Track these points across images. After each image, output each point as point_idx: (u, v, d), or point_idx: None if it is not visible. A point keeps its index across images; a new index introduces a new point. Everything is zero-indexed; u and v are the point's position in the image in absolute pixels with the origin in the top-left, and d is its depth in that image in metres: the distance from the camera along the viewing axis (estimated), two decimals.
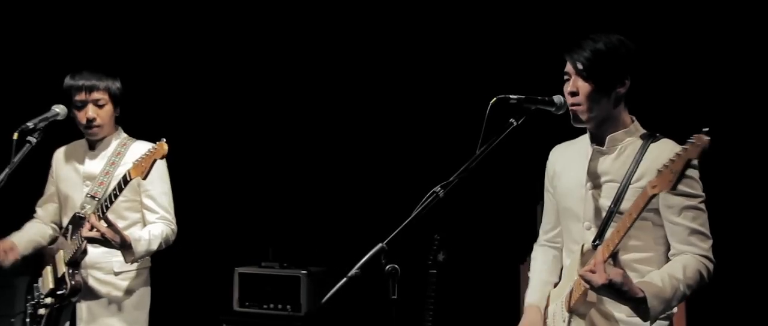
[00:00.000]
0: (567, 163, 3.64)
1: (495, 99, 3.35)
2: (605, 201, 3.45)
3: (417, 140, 6.23)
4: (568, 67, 3.47)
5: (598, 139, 3.52)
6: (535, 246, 3.90)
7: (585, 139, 3.61)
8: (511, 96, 3.41)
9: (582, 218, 3.51)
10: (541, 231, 3.89)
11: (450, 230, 4.62)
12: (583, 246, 3.47)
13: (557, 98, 3.49)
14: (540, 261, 3.82)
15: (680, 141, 3.23)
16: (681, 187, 3.27)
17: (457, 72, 6.05)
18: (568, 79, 3.46)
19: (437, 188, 3.18)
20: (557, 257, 3.75)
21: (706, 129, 2.95)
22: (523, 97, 3.44)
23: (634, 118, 3.54)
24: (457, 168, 3.28)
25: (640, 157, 3.42)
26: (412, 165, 6.08)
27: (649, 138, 3.48)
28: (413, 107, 6.30)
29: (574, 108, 3.47)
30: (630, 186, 3.40)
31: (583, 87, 3.44)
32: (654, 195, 3.14)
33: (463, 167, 3.27)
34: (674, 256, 3.42)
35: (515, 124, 3.41)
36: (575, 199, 3.55)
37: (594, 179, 3.49)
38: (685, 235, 3.38)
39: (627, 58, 3.45)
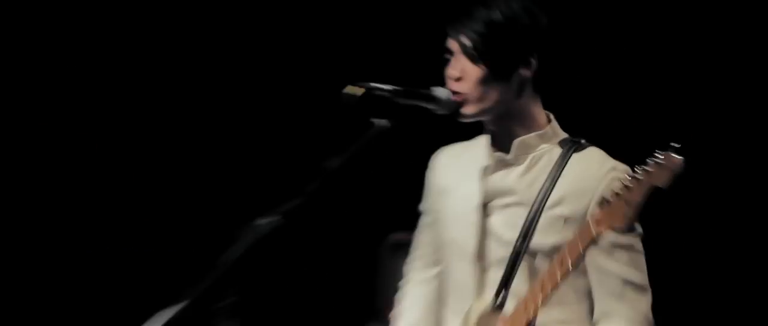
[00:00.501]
0: (458, 175, 3.01)
1: (349, 88, 2.68)
2: (509, 234, 2.86)
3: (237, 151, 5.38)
4: (451, 43, 2.89)
5: (500, 143, 2.93)
6: (404, 285, 3.22)
7: (482, 142, 2.97)
8: (375, 85, 2.72)
9: (473, 257, 2.90)
10: (412, 267, 3.22)
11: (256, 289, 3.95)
12: (472, 307, 2.88)
13: (441, 91, 2.84)
14: (413, 308, 3.16)
15: (614, 150, 2.87)
16: None
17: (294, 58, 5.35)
18: (449, 59, 2.89)
19: (263, 221, 2.46)
20: (437, 300, 3.10)
21: (677, 145, 2.50)
22: (393, 87, 2.74)
23: (551, 116, 2.96)
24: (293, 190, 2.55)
25: (557, 172, 2.84)
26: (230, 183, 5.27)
27: (571, 146, 2.90)
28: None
29: (458, 97, 2.84)
30: (544, 212, 2.82)
31: (472, 71, 2.85)
32: (599, 235, 2.65)
33: (299, 195, 2.54)
34: (600, 323, 2.87)
35: (379, 126, 2.69)
36: (464, 229, 2.93)
37: (493, 200, 2.91)
38: (616, 288, 2.83)
39: (533, 30, 2.87)
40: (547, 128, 2.91)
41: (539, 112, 2.92)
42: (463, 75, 2.84)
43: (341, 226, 5.23)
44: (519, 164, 2.90)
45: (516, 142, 2.88)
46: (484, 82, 2.83)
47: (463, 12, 2.87)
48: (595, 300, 2.86)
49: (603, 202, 2.62)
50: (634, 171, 2.57)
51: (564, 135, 2.93)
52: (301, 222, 2.51)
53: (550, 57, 2.90)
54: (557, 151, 2.89)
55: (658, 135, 2.70)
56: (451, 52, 2.88)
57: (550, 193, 2.84)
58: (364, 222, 5.10)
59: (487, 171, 2.93)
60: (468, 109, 2.85)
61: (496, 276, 2.86)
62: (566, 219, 2.80)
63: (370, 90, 2.69)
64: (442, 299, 3.04)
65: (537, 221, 2.83)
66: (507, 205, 2.90)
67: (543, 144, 2.90)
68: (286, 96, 5.32)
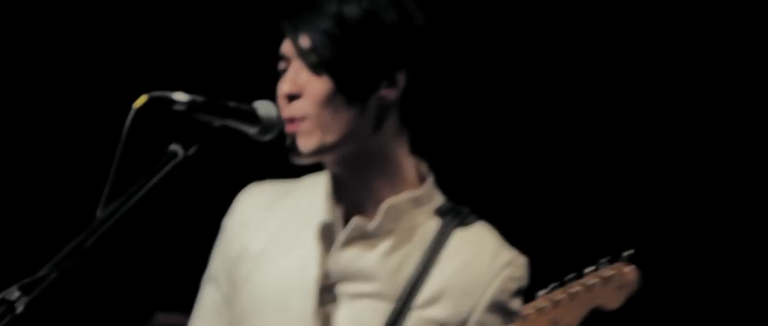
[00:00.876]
0: (280, 234, 2.39)
1: (145, 98, 2.06)
2: None
3: None
4: (287, 46, 2.31)
5: (349, 199, 2.33)
6: None
7: (319, 188, 2.36)
8: (176, 95, 2.09)
9: None
10: None
11: None
12: None
13: (266, 108, 2.22)
14: None
15: (504, 222, 2.40)
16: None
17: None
18: (284, 70, 2.31)
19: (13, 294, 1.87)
20: None
21: (630, 252, 2.14)
22: (192, 98, 2.12)
23: (424, 168, 2.38)
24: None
25: (433, 257, 2.30)
26: None
27: (453, 218, 2.34)
28: None
29: (292, 125, 2.24)
30: (412, 313, 2.27)
31: (314, 86, 2.26)
32: None
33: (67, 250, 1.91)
34: None
35: (181, 155, 2.05)
36: (287, 321, 2.33)
37: (338, 285, 2.31)
38: None
39: (402, 32, 2.31)
40: (423, 187, 2.33)
41: (407, 160, 2.34)
42: (301, 91, 2.24)
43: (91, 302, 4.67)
44: (381, 238, 2.30)
45: (385, 206, 2.29)
46: (330, 102, 2.22)
47: (306, 3, 2.29)
48: None
49: (519, 317, 2.20)
50: (564, 282, 2.14)
51: (441, 198, 2.36)
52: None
53: (425, 74, 2.33)
54: (433, 224, 2.31)
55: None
56: (286, 59, 2.29)
57: (418, 287, 2.28)
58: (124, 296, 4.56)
59: (331, 239, 2.33)
60: (305, 142, 2.22)
61: None
62: (438, 325, 2.29)
63: (156, 100, 2.05)
64: None
65: (402, 323, 2.27)
66: (360, 295, 2.29)
67: (416, 211, 2.32)
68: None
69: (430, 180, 2.33)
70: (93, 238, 1.86)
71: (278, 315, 2.31)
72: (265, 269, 2.35)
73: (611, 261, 2.11)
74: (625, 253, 2.10)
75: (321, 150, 2.22)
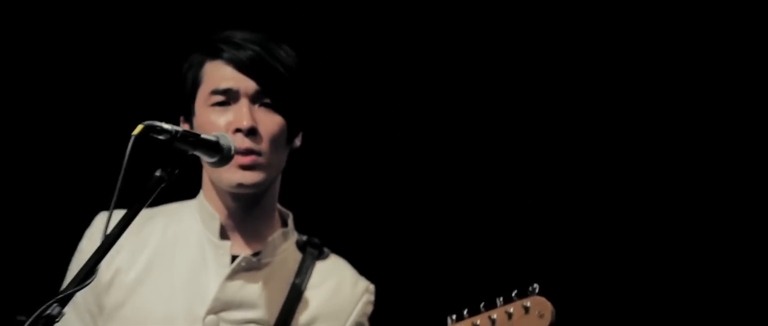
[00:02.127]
0: (153, 262, 2.38)
1: (142, 126, 2.06)
2: None
3: None
4: (237, 84, 2.33)
5: (238, 235, 2.41)
6: None
7: (188, 219, 2.41)
8: (162, 125, 2.10)
9: None
10: None
11: None
12: None
13: (223, 139, 2.19)
14: None
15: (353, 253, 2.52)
16: None
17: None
18: (222, 103, 2.33)
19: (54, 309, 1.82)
20: None
21: (536, 286, 2.20)
22: (180, 130, 2.13)
23: (279, 206, 2.51)
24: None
25: (302, 285, 2.42)
26: None
27: (311, 250, 2.48)
28: None
29: (248, 159, 2.31)
30: None
31: (271, 124, 2.34)
32: None
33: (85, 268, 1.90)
34: None
35: (164, 180, 2.05)
36: None
37: (229, 312, 2.36)
38: None
39: (311, 80, 2.46)
40: (290, 225, 2.45)
41: (276, 199, 2.47)
42: (256, 128, 2.30)
43: None
44: (261, 269, 2.39)
45: (270, 240, 2.39)
46: (280, 141, 2.33)
47: (251, 41, 2.34)
48: None
49: None
50: (479, 309, 2.24)
51: (297, 234, 2.48)
52: None
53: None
54: (296, 256, 2.44)
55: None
56: (232, 94, 2.31)
57: (296, 312, 2.40)
58: None
59: (227, 272, 2.37)
60: (255, 176, 2.30)
61: None
62: None
63: (150, 129, 2.07)
64: None
65: None
66: (245, 322, 2.37)
67: (284, 244, 2.43)
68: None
69: (291, 217, 2.45)
70: (103, 257, 1.91)
71: None
72: (145, 296, 2.35)
73: (520, 295, 2.22)
74: (533, 286, 2.21)
75: (263, 184, 2.30)
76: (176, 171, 2.04)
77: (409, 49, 3.95)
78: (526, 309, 2.23)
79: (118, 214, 2.20)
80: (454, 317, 2.24)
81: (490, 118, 4.10)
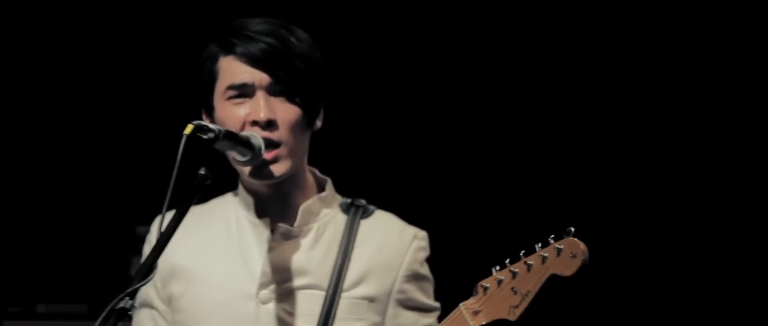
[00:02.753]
0: (205, 253, 2.42)
1: (192, 126, 2.15)
2: (303, 324, 2.37)
3: None
4: (252, 78, 2.32)
5: (265, 209, 2.43)
6: None
7: (229, 205, 2.45)
8: (209, 124, 2.19)
9: None
10: None
11: None
12: None
13: (254, 138, 2.28)
14: None
15: (400, 207, 2.52)
16: (417, 295, 2.44)
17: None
18: (239, 96, 2.33)
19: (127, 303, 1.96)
20: None
21: (571, 229, 2.30)
22: (224, 129, 2.21)
23: (319, 174, 2.50)
24: None
25: (349, 245, 2.42)
26: None
27: (355, 210, 2.47)
28: None
29: (273, 153, 2.32)
30: (343, 295, 2.39)
31: (289, 113, 2.34)
32: None
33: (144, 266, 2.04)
34: None
35: (209, 178, 2.16)
36: (234, 322, 2.37)
37: (279, 283, 2.38)
38: None
39: (327, 70, 2.44)
40: (328, 190, 2.47)
41: (308, 170, 2.48)
42: (275, 119, 2.32)
43: None
44: (303, 236, 2.42)
45: (302, 208, 2.41)
46: (299, 129, 2.34)
47: (264, 33, 2.34)
48: None
49: (480, 289, 2.34)
50: (519, 257, 2.32)
51: (340, 197, 2.51)
52: None
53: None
54: (341, 218, 2.46)
55: None
56: (247, 89, 2.33)
57: (344, 272, 2.41)
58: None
59: (269, 246, 2.41)
60: (281, 168, 2.33)
61: None
62: (370, 301, 2.41)
63: (198, 129, 2.15)
64: None
65: (337, 306, 2.39)
66: (297, 289, 2.40)
67: (325, 209, 2.45)
68: None
69: (330, 184, 2.47)
70: (161, 252, 2.02)
71: (227, 318, 2.36)
72: (200, 282, 2.39)
73: (557, 238, 2.30)
74: (569, 229, 2.30)
75: (288, 174, 2.33)
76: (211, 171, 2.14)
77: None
78: (559, 251, 2.31)
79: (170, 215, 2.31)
80: (497, 267, 2.35)
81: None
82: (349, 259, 2.40)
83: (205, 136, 2.13)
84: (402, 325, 2.43)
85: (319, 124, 2.41)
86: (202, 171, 2.14)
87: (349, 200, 2.48)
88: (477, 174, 4.46)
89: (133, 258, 4.06)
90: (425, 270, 2.46)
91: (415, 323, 2.44)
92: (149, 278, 1.98)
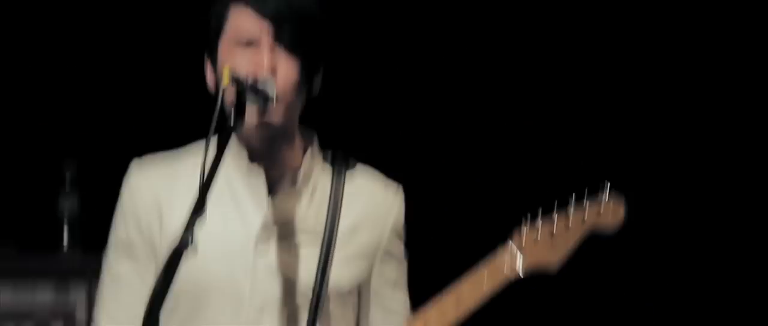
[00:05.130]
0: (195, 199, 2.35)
1: (229, 75, 2.23)
2: (302, 275, 2.42)
3: None
4: (256, 29, 2.36)
5: (268, 165, 2.46)
6: None
7: (212, 153, 2.35)
8: (239, 73, 2.26)
9: (245, 303, 2.40)
10: None
11: None
12: None
13: (269, 85, 2.30)
14: None
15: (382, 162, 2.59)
16: (400, 248, 2.56)
17: None
18: (247, 46, 2.36)
19: None
20: None
21: (607, 184, 2.35)
22: (251, 78, 2.26)
23: (305, 128, 2.56)
24: None
25: (338, 198, 2.49)
26: None
27: (340, 164, 2.55)
28: None
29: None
30: (337, 247, 2.47)
31: (289, 65, 2.37)
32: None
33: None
34: None
35: (234, 127, 2.22)
36: (232, 271, 2.41)
37: (277, 236, 2.44)
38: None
39: (332, 25, 2.50)
40: (315, 146, 2.52)
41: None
42: (278, 71, 2.34)
43: None
44: (298, 191, 2.47)
45: (303, 167, 2.45)
46: (297, 85, 2.36)
47: None
48: None
49: (516, 238, 2.38)
50: (555, 211, 2.36)
51: (321, 150, 2.56)
52: None
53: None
54: (328, 171, 2.52)
55: None
56: (250, 41, 2.34)
57: (337, 225, 2.47)
58: None
59: (273, 201, 2.44)
60: (276, 118, 2.35)
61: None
62: (362, 254, 2.49)
63: (235, 79, 2.19)
64: None
65: (332, 258, 2.44)
66: (294, 242, 2.45)
67: (315, 164, 2.51)
68: None
69: (316, 138, 2.51)
70: (207, 193, 2.06)
71: (224, 265, 2.38)
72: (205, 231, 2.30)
73: (591, 194, 2.35)
74: (605, 185, 2.34)
75: (282, 127, 2.35)
76: (241, 118, 2.17)
77: None
78: (599, 207, 2.35)
79: (153, 159, 2.44)
80: (528, 216, 2.40)
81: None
82: (340, 213, 2.46)
83: (236, 85, 2.17)
84: (389, 277, 2.53)
85: (316, 88, 2.45)
86: (230, 114, 2.16)
87: (331, 152, 2.54)
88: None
89: (61, 192, 4.00)
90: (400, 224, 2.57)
91: (399, 275, 2.55)
92: (202, 214, 2.01)
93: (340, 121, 3.64)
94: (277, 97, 2.27)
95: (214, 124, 2.05)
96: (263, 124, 2.31)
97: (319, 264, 2.41)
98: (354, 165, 2.54)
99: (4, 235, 3.95)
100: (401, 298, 2.57)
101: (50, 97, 4.24)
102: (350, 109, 4.27)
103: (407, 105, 4.46)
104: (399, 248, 2.54)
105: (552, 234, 2.34)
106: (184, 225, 1.99)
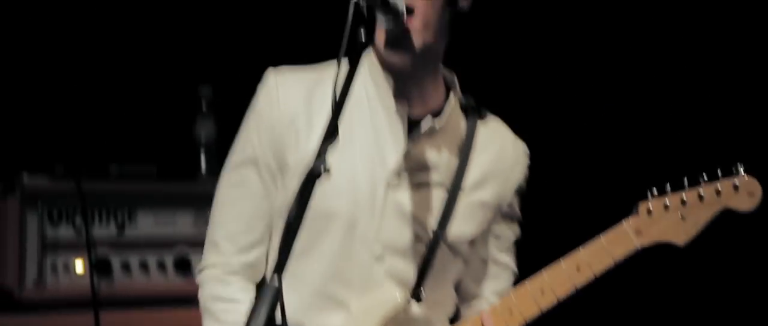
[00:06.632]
0: (345, 121, 2.23)
1: None
2: (425, 218, 2.40)
3: None
4: None
5: (411, 95, 2.39)
6: (208, 280, 2.44)
7: (361, 78, 2.34)
8: None
9: (370, 241, 2.36)
10: (223, 250, 2.42)
11: None
12: (369, 303, 2.40)
13: (400, 3, 2.18)
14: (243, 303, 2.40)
15: (509, 114, 2.56)
16: (518, 208, 2.58)
17: None
18: None
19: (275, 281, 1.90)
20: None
21: (740, 165, 2.39)
22: None
23: (449, 71, 2.50)
24: None
25: (470, 148, 2.44)
26: None
27: (473, 113, 2.49)
28: None
29: (410, 20, 2.26)
30: (463, 196, 2.43)
31: None
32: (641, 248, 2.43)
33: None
34: (475, 301, 2.63)
35: (368, 42, 2.09)
36: (360, 203, 2.37)
37: (410, 174, 2.40)
38: (507, 282, 2.60)
39: None
40: (457, 88, 2.46)
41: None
42: None
43: None
44: (439, 134, 2.41)
45: (448, 108, 2.41)
46: (440, 7, 2.28)
47: None
48: (480, 284, 2.59)
49: (646, 212, 2.38)
50: (686, 185, 2.38)
51: (460, 95, 2.49)
52: None
53: None
54: (462, 118, 2.46)
55: None
56: None
57: (463, 173, 2.42)
58: None
59: (408, 138, 2.40)
60: (416, 38, 2.27)
61: (397, 267, 2.37)
62: (484, 205, 2.46)
63: None
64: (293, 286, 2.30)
65: (457, 205, 2.40)
66: (425, 183, 2.40)
67: (453, 110, 2.44)
68: None
69: (455, 78, 2.45)
70: (339, 115, 1.96)
71: (353, 195, 2.34)
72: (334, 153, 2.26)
73: (725, 174, 2.36)
74: (738, 166, 2.35)
75: (424, 49, 2.27)
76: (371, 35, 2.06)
77: None
78: (736, 188, 2.39)
79: (292, 72, 2.38)
80: (654, 191, 2.41)
81: None
82: (470, 162, 2.42)
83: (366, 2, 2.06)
84: (502, 234, 2.54)
85: (464, 4, 2.33)
86: (360, 37, 2.04)
87: (465, 99, 2.48)
88: None
89: (197, 117, 3.97)
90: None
91: (513, 234, 2.56)
92: (334, 141, 1.93)
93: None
94: (407, 8, 2.17)
95: (345, 42, 1.97)
96: (401, 52, 2.25)
97: (443, 211, 2.38)
98: (485, 116, 2.49)
99: (143, 160, 3.96)
100: (509, 258, 2.58)
101: (186, 22, 4.23)
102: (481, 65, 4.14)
103: (537, 69, 4.43)
104: (517, 208, 2.53)
105: (683, 203, 2.35)
106: (316, 151, 1.92)
